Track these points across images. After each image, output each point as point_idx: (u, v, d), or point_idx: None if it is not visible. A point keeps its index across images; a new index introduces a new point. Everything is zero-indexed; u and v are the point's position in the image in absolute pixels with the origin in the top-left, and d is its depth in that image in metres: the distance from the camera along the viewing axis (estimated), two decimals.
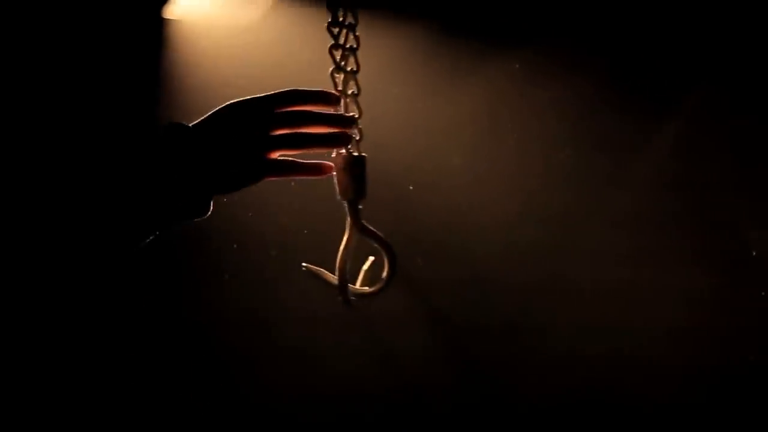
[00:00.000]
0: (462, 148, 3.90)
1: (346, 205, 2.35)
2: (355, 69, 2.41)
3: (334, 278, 2.39)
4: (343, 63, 2.38)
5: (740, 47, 3.55)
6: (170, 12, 3.98)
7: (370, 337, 3.94)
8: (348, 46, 2.39)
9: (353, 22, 2.39)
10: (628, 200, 3.74)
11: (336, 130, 2.19)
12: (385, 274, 2.38)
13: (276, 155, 2.02)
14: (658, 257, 3.70)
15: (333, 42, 2.36)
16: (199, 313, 4.01)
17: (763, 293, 3.65)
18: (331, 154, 2.27)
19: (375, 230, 2.37)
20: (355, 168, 2.34)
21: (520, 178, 3.84)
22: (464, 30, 3.83)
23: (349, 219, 2.34)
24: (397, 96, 3.91)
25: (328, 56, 2.42)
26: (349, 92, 2.36)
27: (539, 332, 3.82)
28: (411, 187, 3.94)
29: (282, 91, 2.07)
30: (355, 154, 2.32)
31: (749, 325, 3.64)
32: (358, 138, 2.33)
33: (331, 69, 2.34)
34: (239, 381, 4.02)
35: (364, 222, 2.35)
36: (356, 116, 2.37)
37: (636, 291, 3.72)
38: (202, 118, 2.04)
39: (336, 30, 2.38)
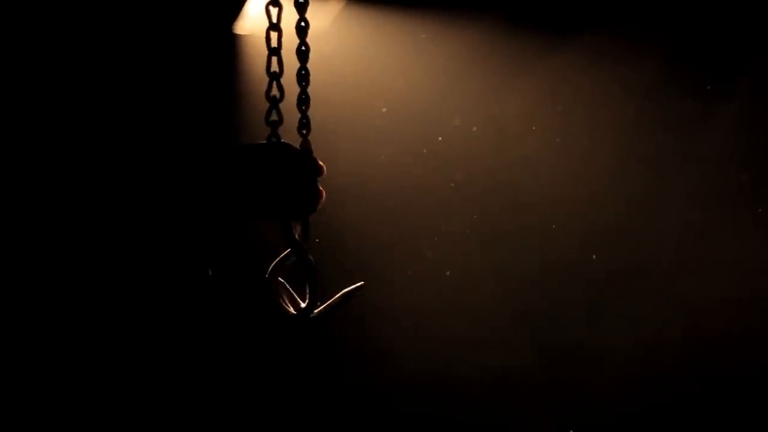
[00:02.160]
0: (534, 138, 3.93)
1: None
2: None
3: (290, 309, 2.48)
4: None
5: None
6: (241, 27, 4.07)
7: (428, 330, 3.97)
8: None
9: None
10: (701, 176, 3.74)
11: None
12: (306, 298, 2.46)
13: None
14: (730, 232, 3.70)
15: None
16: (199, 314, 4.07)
17: None
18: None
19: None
20: None
21: (593, 164, 3.85)
22: (529, 20, 3.86)
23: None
24: (467, 89, 3.96)
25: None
26: None
27: (621, 315, 3.83)
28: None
29: None
30: None
31: None
32: None
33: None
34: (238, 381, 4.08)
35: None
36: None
37: (711, 267, 3.73)
38: None
39: None
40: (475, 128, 3.96)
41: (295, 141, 2.68)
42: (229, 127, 4.07)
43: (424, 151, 3.95)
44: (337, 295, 2.60)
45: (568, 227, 3.88)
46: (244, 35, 4.09)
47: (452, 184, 3.93)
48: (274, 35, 2.63)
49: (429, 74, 3.96)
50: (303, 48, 2.62)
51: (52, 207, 3.89)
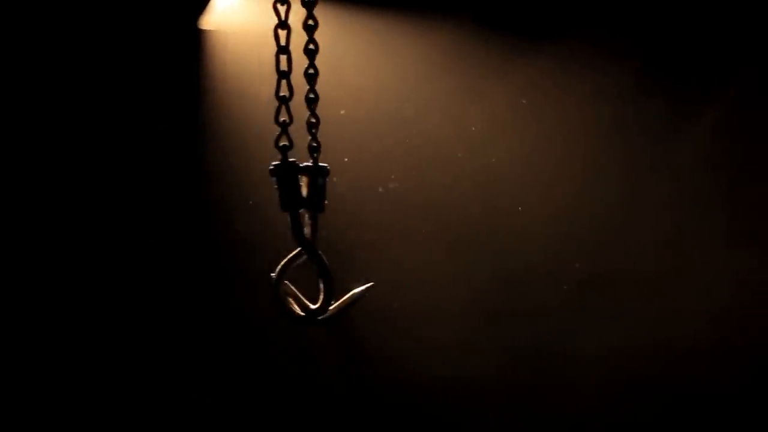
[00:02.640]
0: (502, 143, 3.89)
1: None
2: None
3: (297, 309, 2.47)
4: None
5: None
6: (206, 22, 4.01)
7: (406, 332, 3.96)
8: None
9: None
10: (674, 186, 3.73)
11: None
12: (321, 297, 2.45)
13: None
14: (705, 241, 3.69)
15: None
16: (199, 314, 4.03)
17: None
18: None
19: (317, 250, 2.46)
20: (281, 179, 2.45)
21: (563, 170, 3.83)
22: (502, 23, 3.84)
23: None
24: (434, 93, 3.92)
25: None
26: None
27: (590, 323, 3.81)
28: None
29: None
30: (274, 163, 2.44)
31: None
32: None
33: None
34: (237, 382, 4.04)
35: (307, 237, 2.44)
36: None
37: (684, 276, 3.72)
38: None
39: None
40: (444, 130, 3.93)
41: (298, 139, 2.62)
42: (194, 122, 4.00)
43: (391, 152, 3.92)
44: (346, 296, 2.58)
45: (539, 232, 3.85)
46: (210, 30, 4.03)
47: (417, 187, 3.90)
48: (282, 33, 2.58)
49: (398, 75, 3.93)
50: (311, 46, 2.58)
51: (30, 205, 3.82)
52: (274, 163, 2.49)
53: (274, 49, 3.98)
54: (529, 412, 3.87)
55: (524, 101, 3.84)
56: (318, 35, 3.76)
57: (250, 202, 3.87)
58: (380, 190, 3.89)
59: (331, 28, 3.85)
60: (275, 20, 4.06)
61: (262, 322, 3.74)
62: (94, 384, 3.87)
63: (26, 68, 3.85)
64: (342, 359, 3.80)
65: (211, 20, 4.01)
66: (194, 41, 4.01)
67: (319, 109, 3.90)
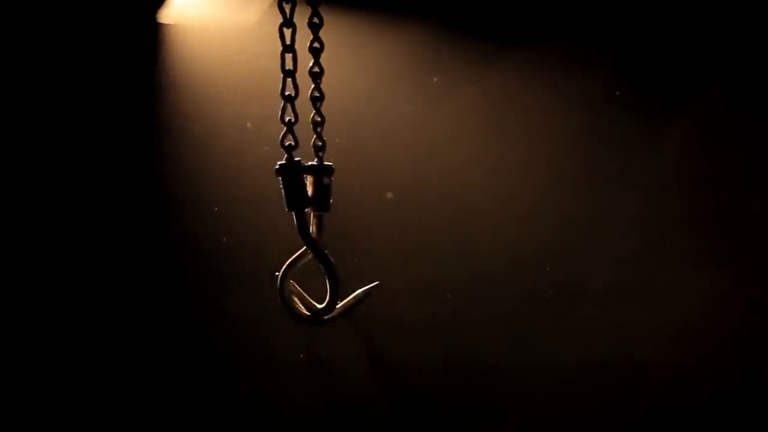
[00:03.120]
0: (466, 149, 3.88)
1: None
2: None
3: (303, 309, 2.47)
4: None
5: (749, 45, 3.53)
6: (165, 16, 3.94)
7: (370, 342, 3.94)
8: None
9: None
10: (639, 201, 3.71)
11: None
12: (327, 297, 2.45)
13: None
14: (669, 258, 3.66)
15: None
16: (200, 316, 3.99)
17: None
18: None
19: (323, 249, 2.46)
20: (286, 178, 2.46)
21: (526, 179, 3.82)
22: (470, 28, 3.83)
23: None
24: (399, 97, 3.91)
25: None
26: None
27: (547, 337, 3.78)
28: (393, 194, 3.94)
29: None
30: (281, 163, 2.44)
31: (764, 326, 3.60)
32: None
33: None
34: (237, 385, 4.01)
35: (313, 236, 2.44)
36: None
37: (647, 293, 3.69)
38: None
39: None
40: (401, 138, 3.91)
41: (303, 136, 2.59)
42: (151, 117, 3.93)
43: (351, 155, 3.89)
44: (351, 296, 2.56)
45: (498, 242, 3.83)
46: (169, 24, 3.96)
47: (388, 194, 3.88)
48: (287, 32, 2.55)
49: (360, 77, 3.92)
50: (316, 45, 2.56)
51: None
52: (279, 162, 2.45)
53: (233, 43, 3.99)
54: (483, 426, 3.86)
55: (490, 108, 3.82)
56: (276, 32, 3.75)
57: (215, 209, 3.84)
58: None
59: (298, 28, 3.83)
60: (235, 16, 4.08)
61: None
62: (94, 384, 3.79)
63: None
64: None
65: (169, 14, 3.94)
66: (152, 35, 3.94)
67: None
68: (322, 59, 2.61)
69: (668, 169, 3.67)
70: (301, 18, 2.59)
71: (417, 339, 3.89)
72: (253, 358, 3.97)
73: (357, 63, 3.91)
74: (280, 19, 2.55)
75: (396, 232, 3.89)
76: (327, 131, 3.59)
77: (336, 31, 3.77)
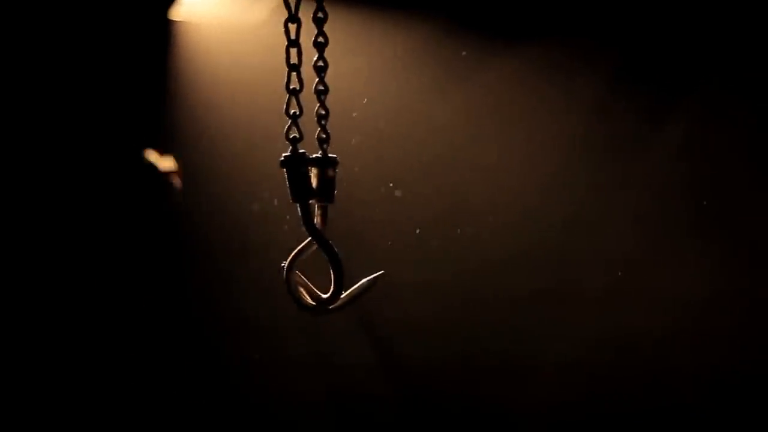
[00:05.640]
0: (467, 147, 3.89)
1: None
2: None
3: (308, 299, 2.50)
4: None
5: (750, 46, 3.49)
6: (176, 14, 3.99)
7: (368, 342, 3.97)
8: None
9: None
10: (639, 200, 3.69)
11: None
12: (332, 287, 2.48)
13: None
14: (669, 258, 3.63)
15: None
16: (203, 316, 4.03)
17: None
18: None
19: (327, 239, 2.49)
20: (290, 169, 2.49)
21: (526, 179, 3.81)
22: (474, 25, 3.83)
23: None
24: (401, 93, 3.94)
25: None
26: None
27: (546, 338, 3.78)
28: (393, 188, 3.96)
29: None
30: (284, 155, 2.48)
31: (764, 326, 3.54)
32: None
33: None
34: (241, 385, 4.05)
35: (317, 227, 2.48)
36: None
37: (647, 293, 3.67)
38: None
39: None
40: (402, 134, 3.93)
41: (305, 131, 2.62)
42: (162, 113, 3.99)
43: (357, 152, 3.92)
44: (356, 286, 2.59)
45: (499, 240, 3.83)
46: (180, 21, 4.02)
47: (397, 192, 3.90)
48: (292, 27, 2.59)
49: (366, 73, 3.94)
50: (321, 39, 2.60)
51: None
52: (284, 154, 2.50)
53: (243, 40, 4.04)
54: (488, 423, 3.88)
55: (493, 106, 3.82)
56: (278, 33, 3.80)
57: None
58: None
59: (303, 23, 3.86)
60: (245, 13, 4.13)
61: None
62: (104, 384, 3.83)
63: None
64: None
65: (180, 11, 4.00)
66: (163, 32, 3.99)
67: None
68: (327, 53, 2.64)
69: (669, 169, 3.64)
70: (308, 14, 2.63)
71: (423, 335, 3.92)
72: (263, 357, 4.02)
73: (364, 60, 3.94)
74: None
75: (401, 228, 3.91)
76: (342, 129, 3.64)
77: (338, 29, 3.83)
